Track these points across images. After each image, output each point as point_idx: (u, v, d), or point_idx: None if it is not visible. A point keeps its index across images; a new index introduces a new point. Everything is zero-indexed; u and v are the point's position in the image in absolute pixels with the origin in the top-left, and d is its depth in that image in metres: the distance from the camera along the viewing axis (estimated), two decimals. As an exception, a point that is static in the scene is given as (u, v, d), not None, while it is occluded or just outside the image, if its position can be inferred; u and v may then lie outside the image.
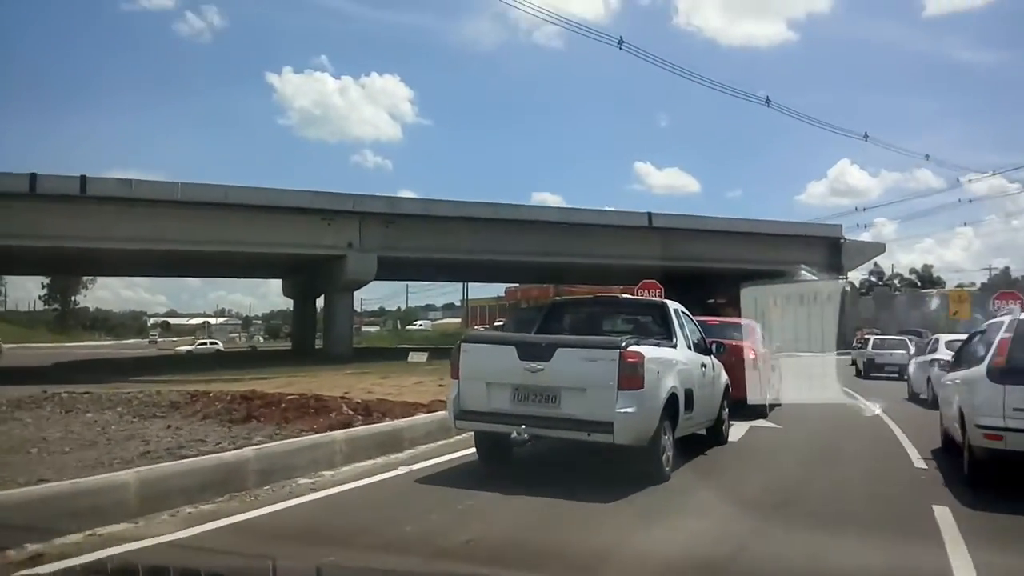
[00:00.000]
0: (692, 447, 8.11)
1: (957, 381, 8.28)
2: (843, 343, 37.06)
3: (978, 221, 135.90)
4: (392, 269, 40.62)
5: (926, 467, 7.96)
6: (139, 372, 26.31)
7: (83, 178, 31.04)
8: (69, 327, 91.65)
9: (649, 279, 19.47)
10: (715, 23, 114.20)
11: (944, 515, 5.71)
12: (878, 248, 53.53)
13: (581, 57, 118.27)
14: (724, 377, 9.30)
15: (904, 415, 12.88)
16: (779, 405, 13.01)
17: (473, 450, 7.49)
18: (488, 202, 39.38)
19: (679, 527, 5.51)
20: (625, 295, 12.97)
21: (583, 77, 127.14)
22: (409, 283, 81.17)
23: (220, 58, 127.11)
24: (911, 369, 17.59)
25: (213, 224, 32.96)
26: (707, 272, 41.22)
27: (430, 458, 7.69)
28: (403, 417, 9.00)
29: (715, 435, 8.90)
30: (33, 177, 30.01)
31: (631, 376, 6.37)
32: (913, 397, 16.39)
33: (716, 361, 9.04)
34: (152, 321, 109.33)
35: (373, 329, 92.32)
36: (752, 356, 11.64)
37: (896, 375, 22.03)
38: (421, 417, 8.95)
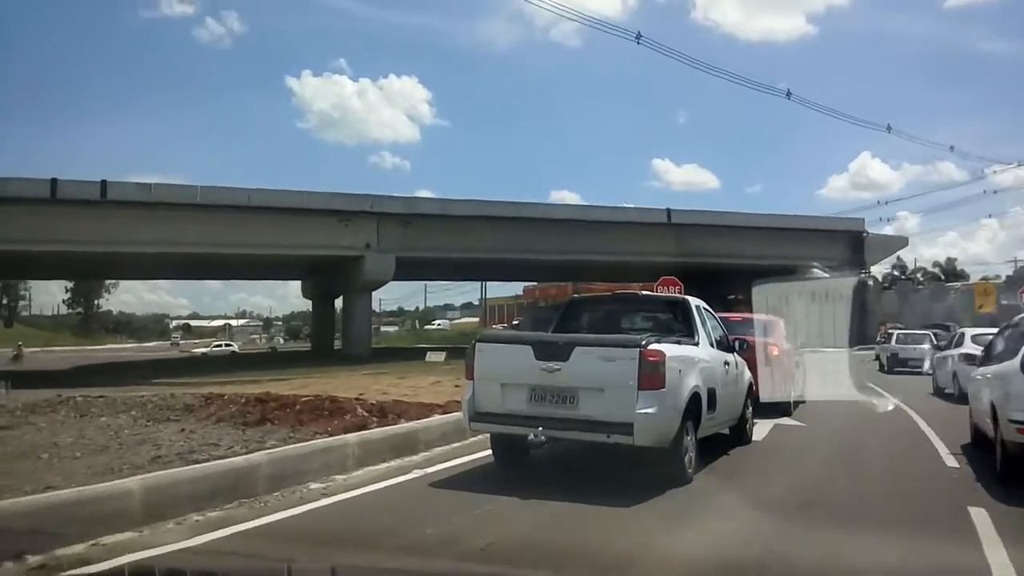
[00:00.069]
0: (715, 447, 7.88)
1: (988, 375, 8.16)
2: (864, 339, 36.72)
3: (1003, 213, 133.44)
4: (410, 269, 40.57)
5: (958, 465, 7.73)
6: (159, 374, 26.39)
7: (103, 183, 31.26)
8: (92, 331, 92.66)
9: (668, 276, 19.20)
10: (733, 18, 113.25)
11: (980, 516, 5.49)
12: (901, 242, 52.81)
13: (598, 55, 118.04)
14: (748, 375, 9.04)
15: (930, 410, 12.67)
16: (803, 402, 12.74)
17: (489, 452, 7.29)
18: (505, 201, 39.24)
19: (703, 531, 5.32)
20: (644, 292, 12.71)
21: (600, 75, 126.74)
22: (427, 283, 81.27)
23: (239, 63, 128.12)
24: (936, 363, 17.30)
25: (232, 227, 33.10)
26: (727, 268, 40.73)
27: (445, 461, 7.51)
28: (418, 419, 8.84)
29: (739, 435, 8.66)
30: (54, 182, 30.29)
31: (652, 375, 6.15)
32: (938, 392, 16.13)
33: (739, 359, 8.79)
34: (174, 324, 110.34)
35: (392, 329, 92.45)
36: (775, 353, 11.41)
37: (920, 370, 21.66)
38: (436, 419, 8.78)
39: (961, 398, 12.81)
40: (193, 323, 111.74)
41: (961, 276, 68.30)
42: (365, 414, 9.07)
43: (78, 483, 5.37)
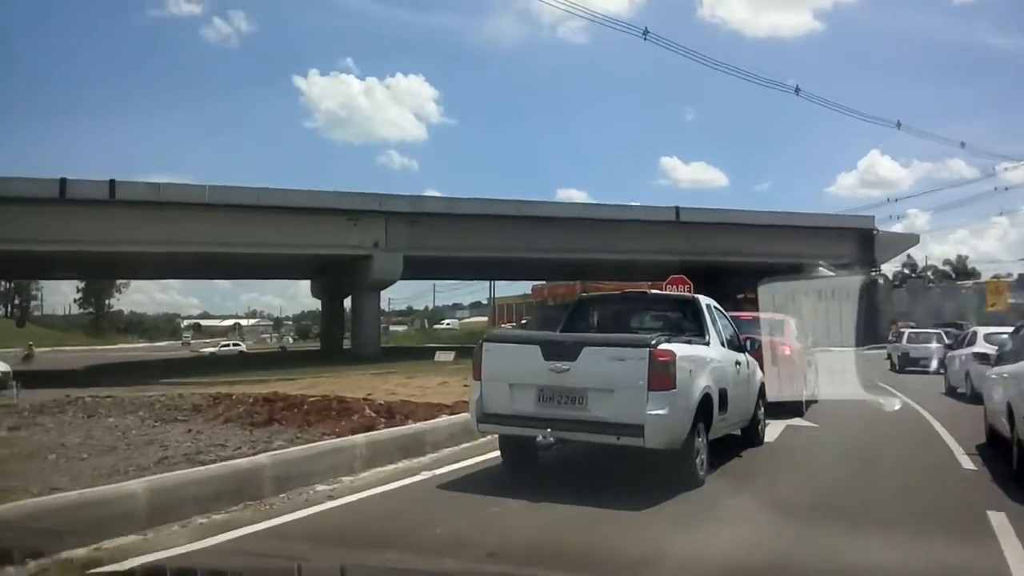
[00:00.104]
0: (727, 448, 7.77)
1: (1005, 375, 8.09)
2: (876, 338, 36.44)
3: (1014, 211, 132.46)
4: (419, 268, 40.55)
5: (974, 467, 7.60)
6: (169, 374, 26.46)
7: (112, 182, 31.32)
8: (103, 330, 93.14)
9: (677, 274, 19.08)
10: (740, 14, 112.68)
11: (1000, 521, 5.36)
12: (912, 239, 52.40)
13: (605, 52, 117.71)
14: (759, 375, 8.92)
15: (943, 410, 12.57)
16: (815, 402, 12.63)
17: (498, 453, 7.20)
18: (513, 199, 39.14)
19: (715, 534, 5.23)
20: (654, 291, 12.60)
21: (608, 72, 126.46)
22: (436, 282, 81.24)
23: (247, 62, 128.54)
24: (948, 362, 17.17)
25: (241, 226, 33.11)
26: (736, 267, 40.52)
27: (453, 462, 7.43)
28: (426, 419, 8.77)
29: (750, 436, 8.53)
30: (63, 182, 30.34)
31: (662, 376, 6.04)
32: (950, 391, 16.01)
33: (751, 358, 8.67)
34: (185, 323, 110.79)
35: (401, 328, 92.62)
36: (787, 352, 11.29)
37: (931, 369, 21.76)
38: (444, 419, 8.70)
39: (973, 398, 12.90)
40: (204, 323, 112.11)
41: (972, 274, 67.79)
42: (373, 415, 9.02)
43: (83, 484, 5.35)
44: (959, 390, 15.14)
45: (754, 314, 12.70)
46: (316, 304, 58.37)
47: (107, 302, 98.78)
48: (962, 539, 5.11)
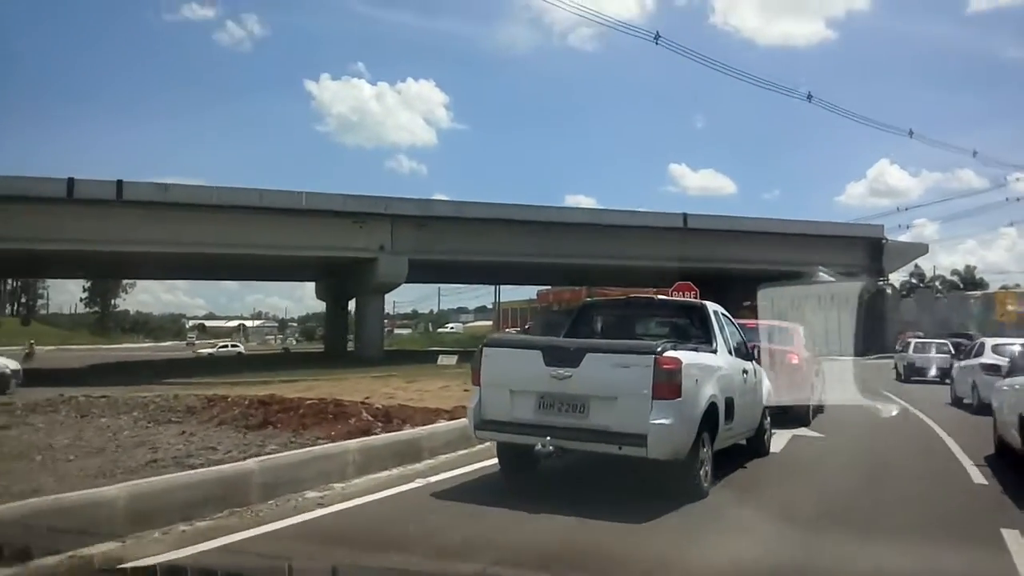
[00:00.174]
0: (732, 459, 7.54)
1: (1017, 387, 8.06)
2: (883, 347, 36.09)
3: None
4: (424, 271, 40.43)
5: (986, 482, 7.39)
6: (171, 374, 26.34)
7: (119, 183, 31.36)
8: (109, 330, 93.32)
9: (684, 281, 18.88)
10: (752, 22, 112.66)
11: (1015, 540, 5.16)
12: (920, 249, 52.11)
13: (616, 60, 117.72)
14: (766, 383, 8.69)
15: (950, 421, 12.50)
16: (822, 411, 12.41)
17: (496, 461, 6.98)
18: (520, 204, 39.07)
19: (720, 548, 5.04)
20: (660, 296, 12.37)
21: (617, 80, 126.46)
22: (441, 286, 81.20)
23: (259, 66, 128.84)
24: (956, 373, 17.03)
25: (248, 227, 33.09)
26: (744, 274, 40.25)
27: (450, 469, 7.21)
28: (424, 424, 8.57)
29: (756, 446, 8.30)
30: (70, 182, 30.41)
31: (667, 384, 5.82)
32: (956, 402, 15.89)
33: (757, 366, 8.45)
34: (190, 324, 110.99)
35: (406, 331, 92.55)
36: (794, 361, 11.13)
37: (937, 379, 21.81)
38: (442, 425, 8.50)
39: (980, 408, 12.94)
40: (209, 323, 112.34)
41: (980, 284, 67.33)
42: (370, 419, 8.83)
43: (67, 487, 5.15)
44: (965, 400, 15.06)
45: (764, 322, 12.45)
46: (322, 306, 58.24)
47: (113, 302, 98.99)
48: (976, 558, 4.92)
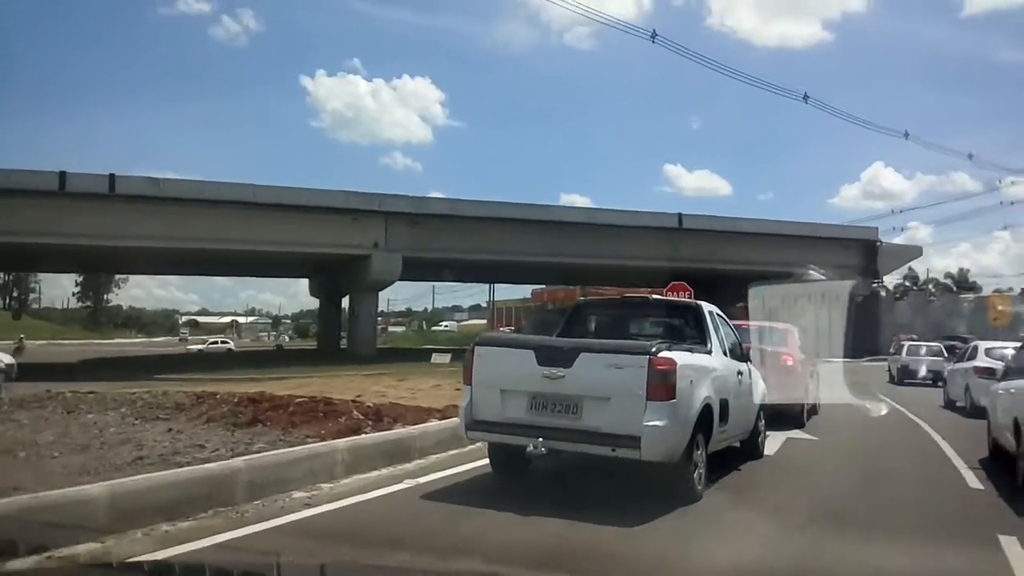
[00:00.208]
0: (725, 461, 7.46)
1: (1012, 390, 8.13)
2: (876, 350, 36.12)
3: (1019, 225, 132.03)
4: (419, 269, 40.28)
5: (982, 487, 7.35)
6: (162, 370, 26.19)
7: (111, 176, 31.15)
8: (101, 325, 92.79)
9: (678, 281, 18.81)
10: (749, 24, 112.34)
11: (1012, 546, 5.10)
12: (915, 251, 52.20)
13: (612, 59, 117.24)
14: (761, 385, 8.61)
15: (943, 424, 12.54)
16: (816, 413, 12.37)
17: (488, 461, 6.89)
18: (515, 202, 38.94)
19: (714, 552, 4.97)
20: (655, 296, 12.29)
21: (614, 79, 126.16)
22: (435, 284, 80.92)
23: (255, 61, 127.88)
24: (948, 376, 17.17)
25: (240, 223, 32.88)
26: (738, 275, 40.25)
27: (440, 470, 7.10)
28: (415, 423, 8.48)
29: (750, 448, 8.22)
30: (62, 175, 30.18)
31: (662, 385, 5.73)
32: (949, 404, 15.98)
33: (752, 368, 8.37)
34: (183, 320, 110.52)
35: (399, 329, 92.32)
36: (789, 362, 11.11)
37: (930, 382, 22.00)
38: (433, 424, 8.40)
39: (973, 411, 13.13)
40: (201, 319, 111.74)
41: (973, 288, 67.56)
42: (360, 417, 8.72)
43: (47, 485, 5.03)
44: (958, 403, 15.14)
45: (759, 323, 12.38)
46: (316, 303, 58.07)
47: (105, 296, 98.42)
48: (974, 564, 4.88)
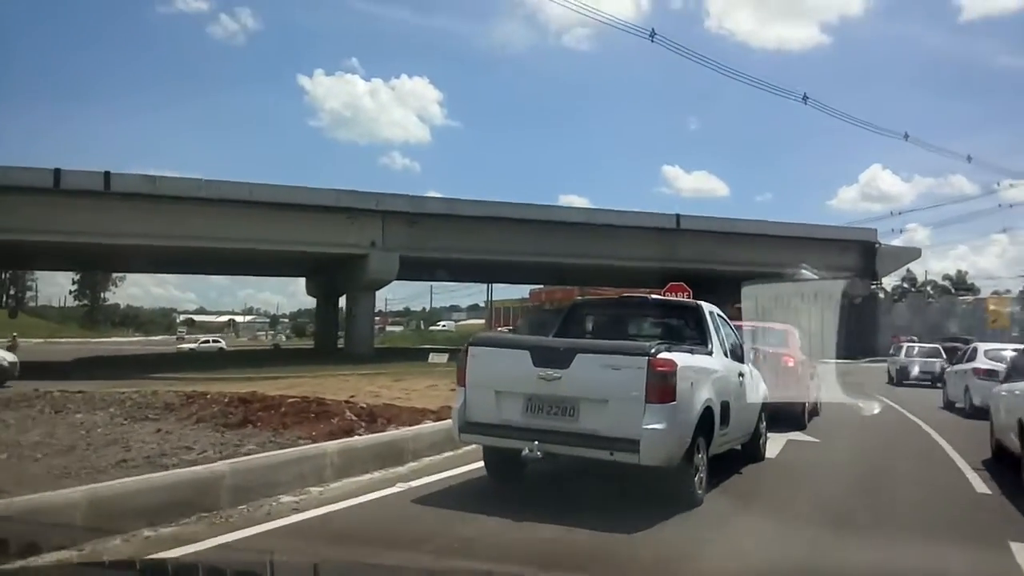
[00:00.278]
0: (726, 464, 7.30)
1: (1016, 392, 8.15)
2: (876, 351, 35.97)
3: (1017, 228, 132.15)
4: (416, 269, 40.08)
5: (989, 491, 7.20)
6: (158, 369, 26.00)
7: (107, 174, 30.90)
8: (98, 323, 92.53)
9: (677, 281, 18.66)
10: (747, 26, 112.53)
11: (1023, 553, 4.95)
12: (913, 253, 52.09)
13: (610, 60, 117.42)
14: (762, 387, 8.45)
15: (944, 425, 12.53)
16: (818, 415, 12.24)
17: (483, 464, 6.70)
18: (513, 202, 38.72)
19: (716, 559, 4.83)
20: (654, 295, 12.12)
21: (612, 80, 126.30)
22: (433, 283, 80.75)
23: (253, 60, 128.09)
24: (948, 378, 17.20)
25: (237, 221, 32.66)
26: (736, 276, 40.06)
27: (434, 473, 6.93)
28: (409, 424, 8.30)
29: (751, 451, 8.06)
30: (57, 172, 29.92)
31: (661, 387, 5.55)
32: (948, 406, 16.02)
33: (754, 369, 8.21)
34: (181, 318, 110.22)
35: (397, 329, 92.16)
36: (790, 363, 10.98)
37: (928, 383, 22.23)
38: (427, 426, 8.21)
39: (973, 412, 13.23)
40: (199, 318, 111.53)
41: (972, 290, 67.54)
42: (353, 418, 8.53)
43: (27, 488, 4.85)
44: (957, 404, 15.18)
45: (759, 323, 12.22)
46: (314, 302, 57.88)
47: (102, 295, 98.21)
48: (985, 571, 4.78)
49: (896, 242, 50.09)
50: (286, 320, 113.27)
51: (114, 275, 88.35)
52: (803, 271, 34.08)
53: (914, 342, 28.67)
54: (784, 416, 10.13)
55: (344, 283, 39.73)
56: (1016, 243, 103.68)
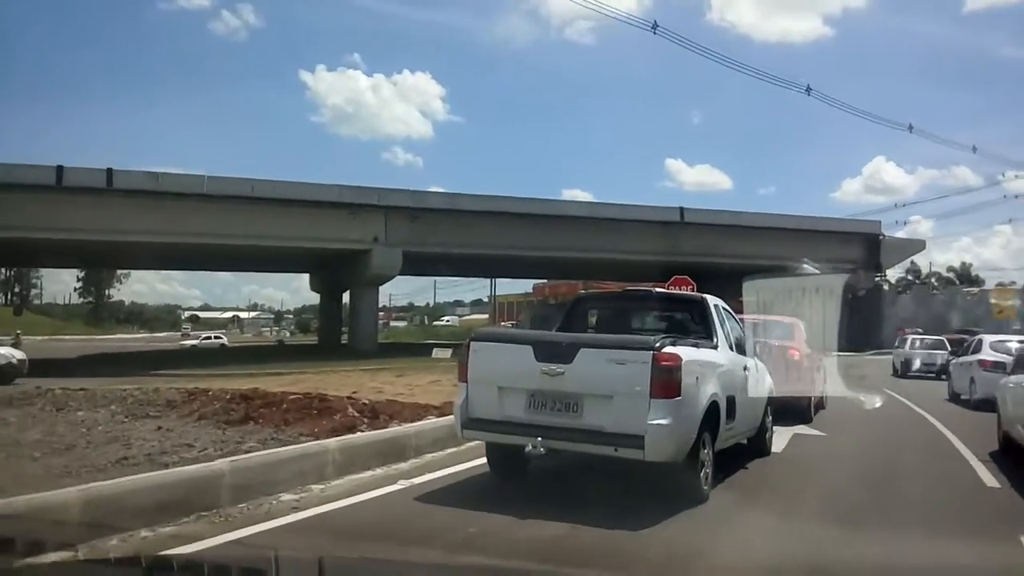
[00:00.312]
0: (732, 459, 7.20)
1: None
2: (881, 343, 35.85)
3: (1021, 219, 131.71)
4: (420, 264, 40.04)
5: (998, 484, 7.10)
6: (161, 366, 25.99)
7: (109, 171, 30.92)
8: (103, 320, 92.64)
9: (680, 275, 18.56)
10: (749, 18, 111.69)
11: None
12: (918, 245, 51.97)
13: (613, 54, 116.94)
14: (768, 380, 8.36)
15: (950, 417, 12.52)
16: (824, 408, 12.15)
17: (485, 460, 6.64)
18: (515, 196, 38.62)
19: (723, 555, 4.75)
20: (658, 289, 12.02)
21: (615, 74, 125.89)
22: (437, 279, 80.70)
23: (255, 56, 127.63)
24: (953, 369, 17.22)
25: (239, 218, 32.67)
26: (740, 269, 39.91)
27: (436, 470, 6.84)
28: (412, 420, 8.22)
29: (757, 445, 7.96)
30: (60, 169, 29.97)
31: (666, 382, 5.47)
32: (954, 397, 16.03)
33: (759, 363, 8.12)
34: (186, 315, 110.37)
35: (401, 324, 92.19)
36: (796, 356, 10.88)
37: (933, 375, 22.42)
38: (430, 422, 8.14)
39: (978, 404, 13.20)
40: (203, 315, 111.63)
41: (976, 281, 67.28)
42: (356, 414, 8.47)
43: (25, 488, 4.79)
44: (963, 396, 15.17)
45: (764, 316, 12.12)
46: (318, 298, 57.88)
47: (107, 292, 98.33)
48: (996, 567, 4.68)
49: (900, 234, 50.25)
50: (290, 316, 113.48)
51: (119, 272, 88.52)
52: (805, 265, 33.97)
53: (919, 334, 28.60)
54: (790, 410, 10.05)
55: (347, 279, 39.72)
56: (1020, 234, 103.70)
